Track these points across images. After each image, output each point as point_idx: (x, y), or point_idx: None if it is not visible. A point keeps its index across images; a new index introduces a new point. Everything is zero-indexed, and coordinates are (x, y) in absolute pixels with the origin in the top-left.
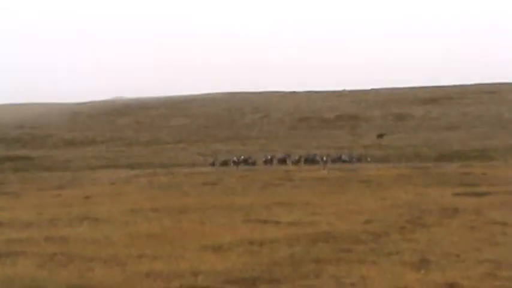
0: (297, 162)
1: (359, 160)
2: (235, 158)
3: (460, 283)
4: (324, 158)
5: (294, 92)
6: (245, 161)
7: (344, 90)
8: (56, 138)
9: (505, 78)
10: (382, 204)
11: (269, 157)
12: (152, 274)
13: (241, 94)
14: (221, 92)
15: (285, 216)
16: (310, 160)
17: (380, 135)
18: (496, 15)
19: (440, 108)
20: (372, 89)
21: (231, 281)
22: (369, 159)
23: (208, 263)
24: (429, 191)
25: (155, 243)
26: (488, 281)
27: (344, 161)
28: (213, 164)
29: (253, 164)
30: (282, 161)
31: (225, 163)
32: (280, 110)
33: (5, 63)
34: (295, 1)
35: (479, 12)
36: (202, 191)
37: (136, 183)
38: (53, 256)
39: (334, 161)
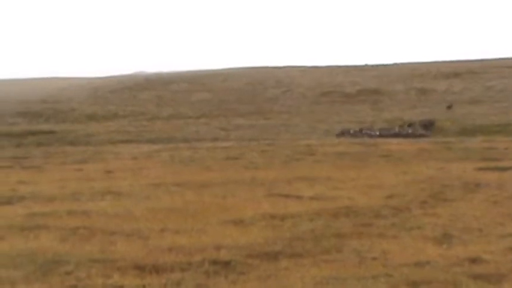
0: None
1: None
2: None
3: (483, 257)
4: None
5: (316, 67)
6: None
7: (366, 65)
8: (78, 113)
9: None
10: (404, 179)
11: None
12: (174, 248)
13: (263, 69)
14: (243, 66)
15: (307, 190)
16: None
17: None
18: None
19: (463, 82)
20: (394, 64)
21: (253, 255)
22: None
23: (230, 237)
24: (451, 166)
25: (177, 217)
26: (511, 255)
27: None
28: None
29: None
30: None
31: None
32: (302, 85)
33: (27, 37)
34: None
35: None
36: (225, 165)
37: (158, 157)
38: (76, 230)
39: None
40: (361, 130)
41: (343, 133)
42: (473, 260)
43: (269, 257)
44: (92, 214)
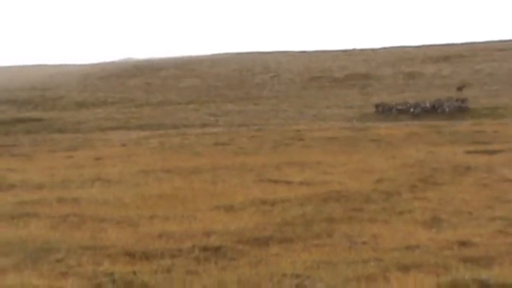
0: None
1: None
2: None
3: (472, 240)
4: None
5: (304, 52)
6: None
7: (354, 49)
8: (67, 100)
9: None
10: (393, 163)
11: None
12: (165, 235)
13: (251, 54)
14: (231, 52)
15: (296, 175)
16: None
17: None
18: None
19: (451, 66)
20: (382, 48)
21: (243, 240)
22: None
23: (221, 223)
24: (441, 150)
25: (167, 204)
26: (500, 238)
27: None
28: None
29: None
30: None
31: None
32: (290, 70)
33: (15, 25)
34: None
35: None
36: (214, 151)
37: (147, 144)
38: (66, 217)
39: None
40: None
41: (380, 109)
42: (463, 243)
43: (259, 243)
44: (81, 201)
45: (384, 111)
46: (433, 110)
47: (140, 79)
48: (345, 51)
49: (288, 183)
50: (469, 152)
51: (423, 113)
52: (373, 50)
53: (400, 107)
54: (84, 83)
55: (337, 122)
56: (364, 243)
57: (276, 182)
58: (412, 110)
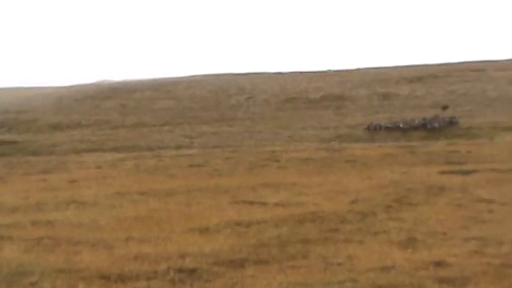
0: None
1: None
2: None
3: (448, 261)
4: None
5: (279, 73)
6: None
7: (329, 70)
8: (42, 122)
9: (490, 56)
10: (369, 183)
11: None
12: (140, 257)
13: (226, 76)
14: (206, 74)
15: (272, 197)
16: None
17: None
18: None
19: (426, 86)
20: (357, 69)
21: (218, 262)
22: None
23: (196, 245)
24: (415, 170)
25: (142, 226)
26: (475, 258)
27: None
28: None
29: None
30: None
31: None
32: (265, 91)
33: None
34: None
35: None
36: (189, 173)
37: (122, 166)
38: (40, 240)
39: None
40: (393, 123)
41: (371, 128)
42: (438, 264)
43: (235, 265)
44: (56, 224)
45: (373, 130)
46: (423, 127)
47: (115, 101)
48: (320, 73)
49: (263, 204)
50: (443, 173)
51: (412, 129)
52: (348, 71)
53: (390, 125)
54: (59, 105)
55: (312, 143)
56: (339, 264)
57: (251, 203)
58: (401, 125)
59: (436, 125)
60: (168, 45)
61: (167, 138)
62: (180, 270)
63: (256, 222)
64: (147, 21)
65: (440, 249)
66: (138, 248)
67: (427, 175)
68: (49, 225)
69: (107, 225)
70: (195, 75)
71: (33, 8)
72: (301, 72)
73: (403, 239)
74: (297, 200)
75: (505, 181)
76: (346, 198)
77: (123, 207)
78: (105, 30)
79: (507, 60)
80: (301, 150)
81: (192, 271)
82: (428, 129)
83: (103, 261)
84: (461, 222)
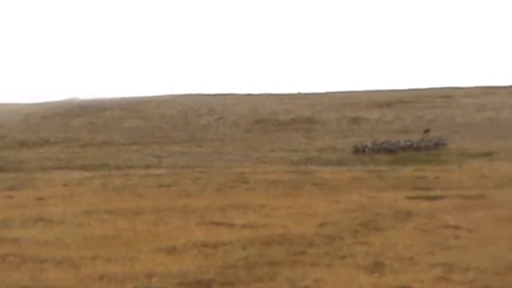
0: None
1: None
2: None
3: (413, 286)
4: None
5: (250, 95)
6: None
7: (299, 93)
8: (9, 139)
9: (458, 82)
10: (336, 207)
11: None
12: (106, 276)
13: (196, 96)
14: (177, 94)
15: (240, 218)
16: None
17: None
18: (447, 20)
19: (395, 112)
20: (327, 92)
21: (185, 283)
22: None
23: (163, 265)
24: (383, 195)
25: (109, 245)
26: (441, 284)
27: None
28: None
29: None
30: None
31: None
32: (235, 112)
33: None
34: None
35: (429, 18)
36: (157, 192)
37: (90, 184)
38: (5, 257)
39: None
40: (379, 144)
41: (358, 150)
42: None
43: (201, 285)
44: (22, 241)
45: (360, 152)
46: (410, 147)
47: (84, 119)
48: (290, 95)
49: (231, 225)
50: (411, 198)
51: (399, 149)
52: (317, 94)
53: (375, 148)
54: (27, 122)
55: (281, 166)
56: (306, 287)
57: (219, 224)
58: (387, 147)
59: (423, 144)
60: (138, 65)
61: (136, 157)
62: None
63: (223, 244)
64: (117, 40)
65: (406, 274)
66: (104, 267)
67: (394, 200)
68: (15, 242)
69: (74, 243)
70: (165, 95)
71: (3, 24)
72: (271, 94)
73: (369, 263)
74: (265, 222)
75: (472, 207)
76: (314, 221)
77: (90, 225)
78: (76, 48)
79: (475, 87)
80: (270, 172)
81: None
82: (415, 150)
83: (69, 279)
84: (427, 247)
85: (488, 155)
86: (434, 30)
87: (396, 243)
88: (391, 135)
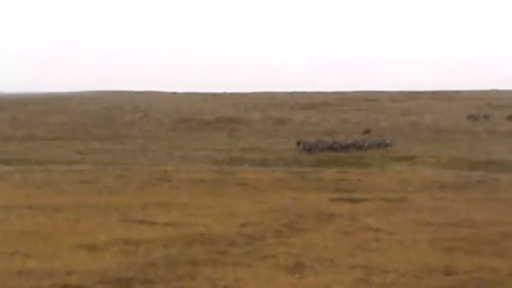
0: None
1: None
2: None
3: (333, 287)
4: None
5: (175, 93)
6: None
7: (224, 93)
8: None
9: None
10: (259, 207)
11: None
12: (24, 272)
13: (121, 93)
14: (101, 90)
15: (162, 216)
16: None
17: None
18: (374, 24)
19: (320, 113)
20: (252, 92)
21: (105, 280)
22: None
23: (82, 262)
24: (306, 196)
25: (28, 241)
26: (361, 286)
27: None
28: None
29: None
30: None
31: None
32: (160, 111)
33: None
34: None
35: (356, 22)
36: (79, 189)
37: (10, 179)
38: None
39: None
40: (320, 142)
41: (305, 148)
42: None
43: (121, 283)
44: None
45: (306, 149)
46: (353, 146)
47: (6, 113)
48: (215, 95)
49: (153, 224)
50: (333, 200)
51: (343, 148)
52: (242, 94)
53: (320, 145)
54: None
55: (205, 165)
56: (226, 286)
57: (140, 222)
58: (332, 145)
59: (366, 144)
60: (62, 59)
61: (58, 152)
62: (65, 287)
63: (145, 242)
64: (42, 34)
65: (327, 275)
66: (22, 263)
67: (317, 202)
68: None
69: None
70: (89, 91)
71: None
72: (196, 93)
73: (290, 264)
74: (187, 221)
75: (393, 210)
76: (236, 221)
77: (9, 221)
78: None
79: (399, 91)
80: (193, 171)
81: None
82: (359, 149)
83: None
84: (348, 249)
85: (410, 159)
86: (360, 34)
87: (317, 244)
88: (316, 138)
